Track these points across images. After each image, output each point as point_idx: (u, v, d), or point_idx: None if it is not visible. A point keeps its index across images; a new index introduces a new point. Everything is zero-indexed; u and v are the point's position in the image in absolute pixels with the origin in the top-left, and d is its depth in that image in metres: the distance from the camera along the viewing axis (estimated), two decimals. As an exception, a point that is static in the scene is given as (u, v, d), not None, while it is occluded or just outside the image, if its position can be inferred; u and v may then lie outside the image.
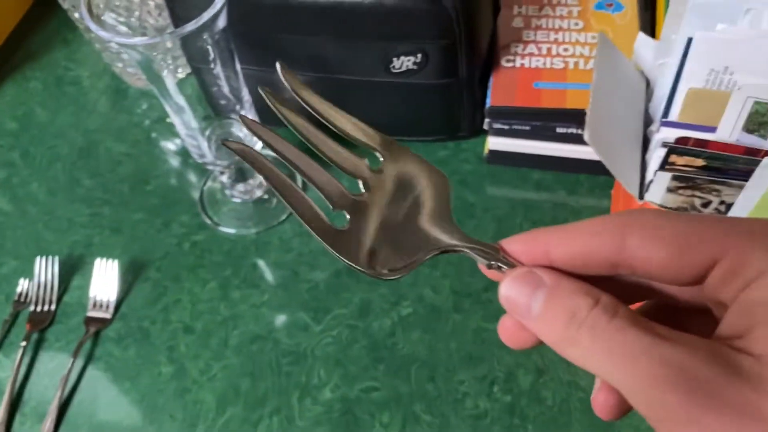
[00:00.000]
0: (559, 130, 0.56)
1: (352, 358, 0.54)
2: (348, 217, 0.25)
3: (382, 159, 0.26)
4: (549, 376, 0.51)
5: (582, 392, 0.50)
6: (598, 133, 0.39)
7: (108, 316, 0.58)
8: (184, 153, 0.69)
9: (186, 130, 0.54)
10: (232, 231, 0.62)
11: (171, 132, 0.71)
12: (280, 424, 0.51)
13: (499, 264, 0.23)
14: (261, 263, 0.60)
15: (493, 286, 0.57)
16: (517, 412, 0.50)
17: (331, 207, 0.25)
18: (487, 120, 0.58)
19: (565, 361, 0.51)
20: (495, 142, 0.60)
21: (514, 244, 0.24)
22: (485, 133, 0.62)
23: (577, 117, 0.54)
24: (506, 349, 0.53)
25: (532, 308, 0.22)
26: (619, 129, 0.42)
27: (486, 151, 0.62)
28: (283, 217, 0.63)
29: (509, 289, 0.23)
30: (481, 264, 0.24)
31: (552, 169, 0.61)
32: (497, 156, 0.62)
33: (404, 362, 0.53)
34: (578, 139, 0.56)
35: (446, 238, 0.25)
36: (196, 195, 0.65)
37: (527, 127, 0.56)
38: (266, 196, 0.64)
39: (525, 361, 0.52)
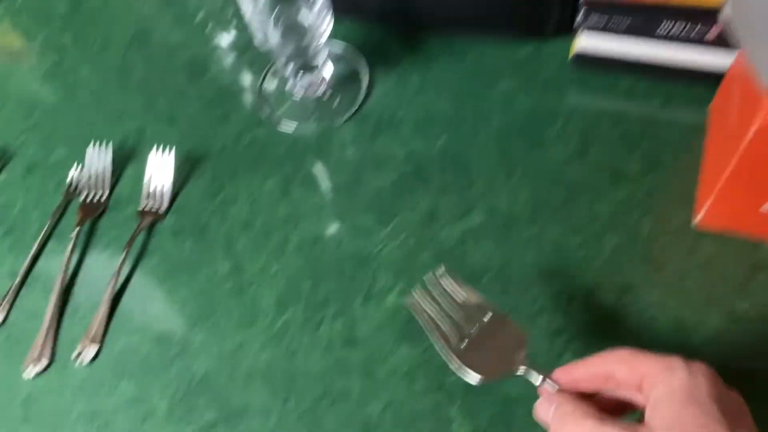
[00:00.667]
0: (662, 29, 0.50)
1: (419, 266, 0.50)
2: (466, 343, 0.40)
3: (489, 313, 0.41)
4: (634, 294, 0.47)
5: (670, 311, 0.46)
6: (741, 6, 0.33)
7: (162, 208, 0.55)
8: (241, 46, 0.65)
9: (253, 9, 0.50)
10: (291, 128, 0.59)
11: (229, 23, 0.66)
12: (343, 327, 0.48)
13: (547, 382, 0.37)
14: (322, 163, 0.57)
15: (574, 197, 0.52)
16: (598, 332, 0.46)
17: (458, 338, 0.40)
18: (581, 12, 0.52)
19: (652, 283, 0.47)
20: (585, 42, 0.54)
21: (559, 373, 0.37)
22: (572, 33, 0.56)
23: (688, 13, 0.48)
24: (588, 264, 0.49)
25: (550, 419, 0.35)
26: (765, 11, 0.36)
27: (572, 53, 0.57)
28: (347, 116, 0.59)
29: (540, 405, 0.36)
30: (536, 382, 0.37)
31: (645, 76, 0.56)
32: (584, 59, 0.56)
33: (474, 272, 0.50)
34: (683, 39, 0.51)
35: (517, 361, 0.38)
36: (254, 89, 0.61)
37: (627, 22, 0.51)
38: (330, 92, 0.60)
39: (607, 280, 0.48)
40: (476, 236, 0.51)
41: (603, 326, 0.46)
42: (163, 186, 0.56)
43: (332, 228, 0.53)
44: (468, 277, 0.49)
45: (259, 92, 0.61)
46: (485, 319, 0.41)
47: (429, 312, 0.41)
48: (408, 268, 0.50)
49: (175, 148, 0.58)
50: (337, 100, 0.60)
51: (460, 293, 0.42)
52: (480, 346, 0.40)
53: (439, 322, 0.41)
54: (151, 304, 0.51)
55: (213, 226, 0.54)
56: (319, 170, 0.56)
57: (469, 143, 0.56)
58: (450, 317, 0.41)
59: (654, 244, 0.49)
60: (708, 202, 0.46)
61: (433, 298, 0.42)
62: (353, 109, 0.59)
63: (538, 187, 0.53)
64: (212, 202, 0.55)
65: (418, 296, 0.42)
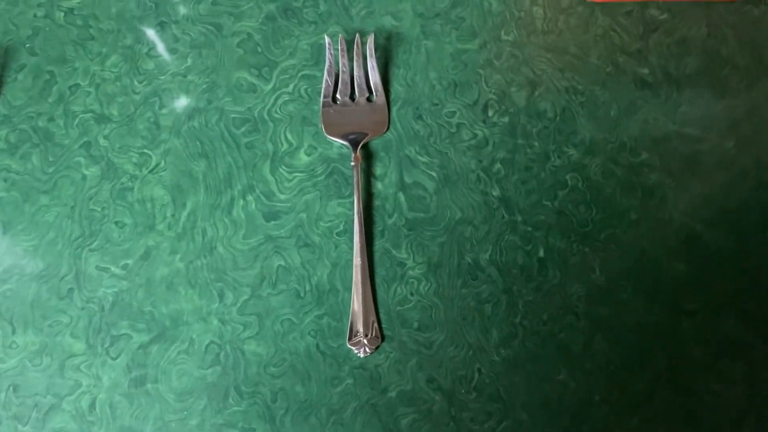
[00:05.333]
0: None
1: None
2: None
3: None
4: (544, 87, 0.46)
5: (581, 96, 0.45)
6: None
7: (-15, 122, 0.44)
8: None
9: None
10: (114, -12, 0.47)
11: None
12: (259, 202, 0.43)
13: None
14: (167, 22, 0.47)
15: (463, 1, 0.48)
16: (519, 132, 0.45)
17: None
18: None
19: (559, 68, 0.46)
20: None
21: None
22: None
23: None
24: (492, 67, 0.46)
25: None
26: None
27: None
28: (178, -41, 0.48)
29: None
30: None
31: None
32: None
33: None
34: None
35: None
36: (46, -51, 0.48)
37: None
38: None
39: (515, 77, 0.46)
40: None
41: (521, 126, 0.45)
42: (-26, 95, 0.44)
43: (207, 95, 0.45)
44: (375, 111, 0.45)
45: (55, -49, 0.48)
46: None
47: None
48: (310, 117, 0.45)
49: (-29, 45, 0.45)
50: (158, -58, 0.49)
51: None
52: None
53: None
54: (17, 240, 0.42)
55: (58, 127, 0.44)
56: (169, 31, 0.47)
57: (330, -37, 0.49)
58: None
59: (551, 27, 0.47)
60: (601, -29, 0.44)
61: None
62: (182, -50, 0.48)
63: (420, -4, 0.48)
64: (46, 99, 0.45)
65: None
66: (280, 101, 0.45)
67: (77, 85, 0.45)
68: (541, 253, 0.42)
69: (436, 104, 0.45)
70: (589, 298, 0.41)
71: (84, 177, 0.43)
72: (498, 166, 0.44)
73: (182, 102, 0.45)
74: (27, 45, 0.46)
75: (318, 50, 0.46)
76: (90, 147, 0.44)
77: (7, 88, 0.45)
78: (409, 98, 0.45)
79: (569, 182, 0.44)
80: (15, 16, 0.46)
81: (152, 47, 0.46)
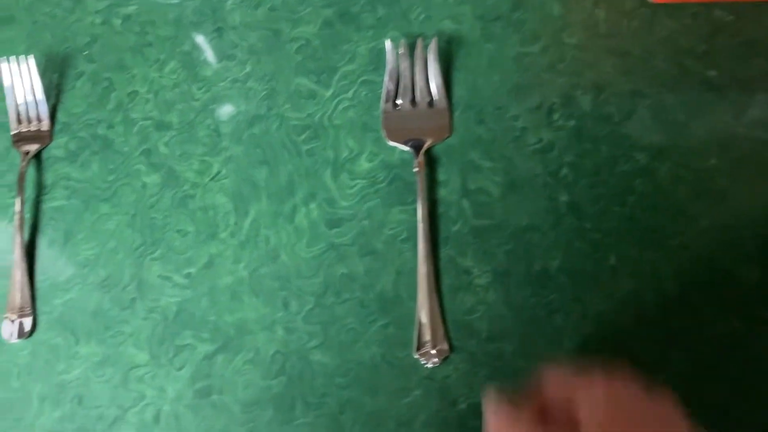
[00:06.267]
0: None
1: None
2: None
3: None
4: (609, 91, 0.44)
5: (647, 99, 0.44)
6: None
7: (45, 129, 0.44)
8: None
9: None
10: (170, -5, 0.47)
11: None
12: (321, 210, 0.42)
13: None
14: (226, 27, 0.46)
15: (524, 3, 0.47)
16: (586, 135, 0.44)
17: None
18: None
19: (624, 71, 0.45)
20: None
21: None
22: None
23: None
24: (555, 71, 0.45)
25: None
26: None
27: None
28: (233, -35, 0.48)
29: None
30: None
31: None
32: None
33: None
34: None
35: None
36: (101, -44, 0.48)
37: None
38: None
39: (579, 80, 0.45)
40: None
41: (587, 130, 0.44)
42: (35, 101, 0.44)
43: (267, 102, 0.45)
44: (436, 116, 0.44)
45: (110, -42, 0.48)
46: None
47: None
48: (370, 123, 0.44)
49: (29, 53, 0.45)
50: (213, -53, 0.48)
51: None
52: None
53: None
54: (78, 249, 0.42)
55: (118, 134, 0.44)
56: (227, 37, 0.46)
57: (387, -33, 0.48)
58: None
59: (614, 31, 0.46)
60: (669, -28, 0.43)
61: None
62: (238, -45, 0.48)
63: (479, -1, 0.47)
64: (105, 106, 0.44)
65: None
66: (340, 107, 0.44)
67: (136, 92, 0.45)
68: (612, 261, 0.41)
69: (499, 108, 0.44)
70: (661, 307, 0.40)
71: (144, 185, 0.43)
72: (565, 170, 0.43)
73: (242, 108, 0.44)
74: (85, 52, 0.46)
75: (377, 55, 0.46)
76: (150, 154, 0.43)
77: (66, 96, 0.45)
78: (471, 102, 0.44)
79: (638, 188, 0.42)
80: (72, 23, 0.46)
81: (209, 52, 0.46)
